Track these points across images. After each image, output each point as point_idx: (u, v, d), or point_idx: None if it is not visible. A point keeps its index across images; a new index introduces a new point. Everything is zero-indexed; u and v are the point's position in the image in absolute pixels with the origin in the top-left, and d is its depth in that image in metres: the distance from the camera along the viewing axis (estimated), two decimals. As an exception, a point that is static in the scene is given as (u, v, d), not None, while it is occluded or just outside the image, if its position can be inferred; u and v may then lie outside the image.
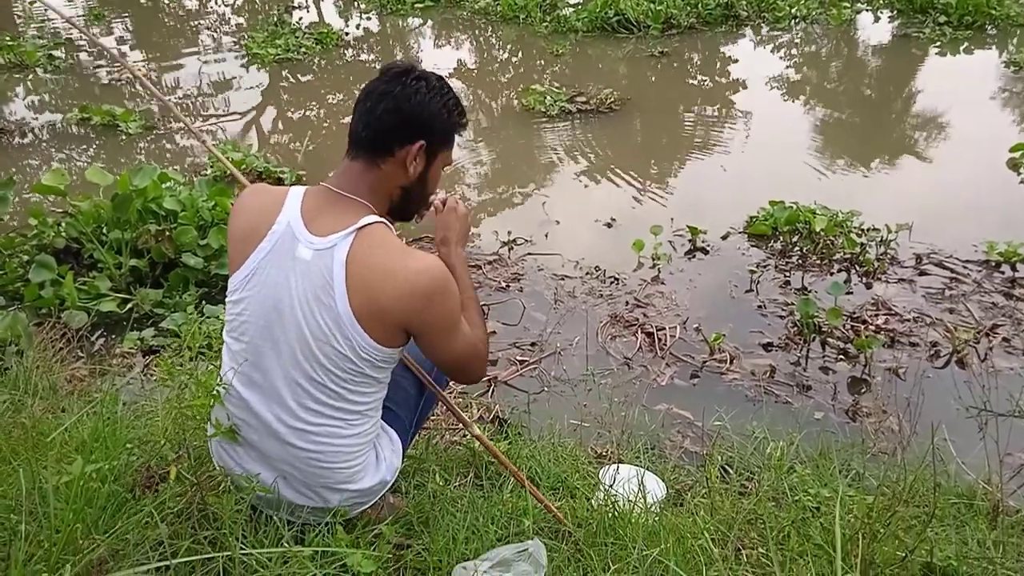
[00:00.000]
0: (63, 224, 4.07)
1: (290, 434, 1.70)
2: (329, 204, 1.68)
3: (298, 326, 1.65)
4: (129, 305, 3.69)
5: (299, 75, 8.12)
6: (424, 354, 1.82)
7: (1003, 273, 4.15)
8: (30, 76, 7.98)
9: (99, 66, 8.30)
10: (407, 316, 1.65)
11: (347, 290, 1.61)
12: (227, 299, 1.75)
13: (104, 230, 3.98)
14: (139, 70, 7.91)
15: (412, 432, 2.05)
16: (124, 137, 6.30)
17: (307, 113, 7.15)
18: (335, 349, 1.65)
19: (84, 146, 6.27)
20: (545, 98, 6.83)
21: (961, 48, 8.40)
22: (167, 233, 3.85)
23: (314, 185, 1.75)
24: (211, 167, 5.47)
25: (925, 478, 2.25)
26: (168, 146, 6.30)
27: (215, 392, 1.67)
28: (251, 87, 7.73)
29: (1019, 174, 5.33)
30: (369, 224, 1.64)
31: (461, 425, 2.25)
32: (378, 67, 1.82)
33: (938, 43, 8.51)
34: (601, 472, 2.37)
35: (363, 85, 1.73)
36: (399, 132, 1.68)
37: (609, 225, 4.82)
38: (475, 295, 1.94)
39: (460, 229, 1.98)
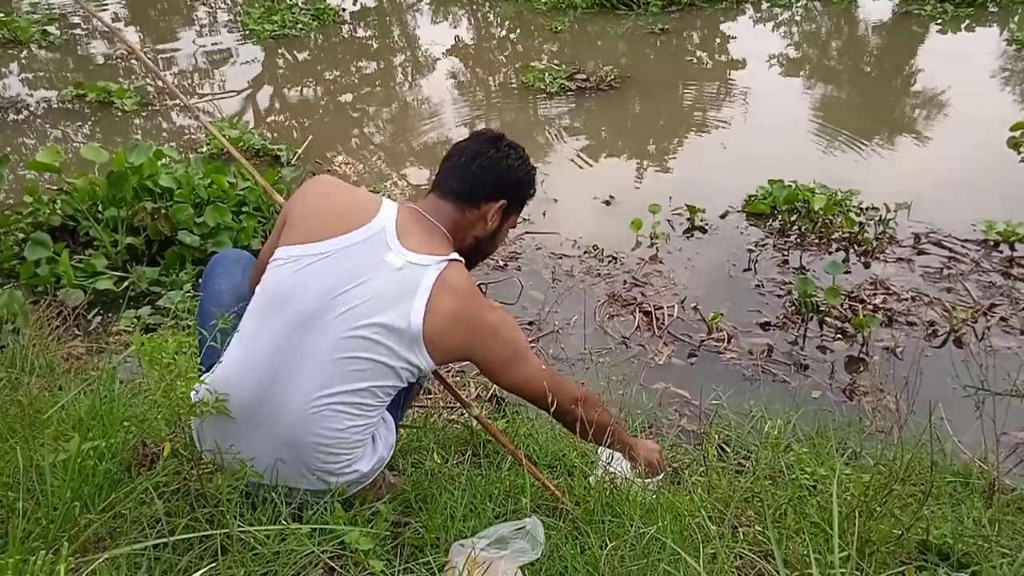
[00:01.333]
0: (58, 201, 4.04)
1: (302, 416, 1.69)
2: (420, 226, 1.81)
3: (361, 319, 1.68)
4: (125, 283, 3.68)
5: (296, 51, 8.05)
6: (492, 381, 1.99)
7: (1001, 252, 4.14)
8: (24, 52, 7.90)
9: (93, 45, 8.23)
10: (469, 348, 1.80)
11: (426, 308, 1.69)
12: (276, 264, 1.75)
13: (100, 208, 3.96)
14: (137, 45, 7.83)
15: (403, 406, 2.05)
16: (119, 114, 6.26)
17: (304, 91, 7.10)
18: (390, 350, 1.69)
19: (79, 123, 6.23)
20: (544, 75, 6.78)
21: (962, 26, 8.35)
22: (163, 211, 3.83)
23: (404, 204, 1.86)
24: (207, 144, 5.43)
25: (922, 457, 2.26)
26: (164, 123, 6.25)
27: (199, 378, 1.65)
28: (247, 63, 7.68)
29: (1019, 153, 5.31)
30: (457, 260, 1.80)
31: (460, 405, 2.25)
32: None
33: (939, 21, 8.46)
34: (599, 450, 2.37)
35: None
36: (488, 189, 1.88)
37: (607, 203, 4.80)
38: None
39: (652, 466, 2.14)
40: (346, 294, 1.69)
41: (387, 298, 1.69)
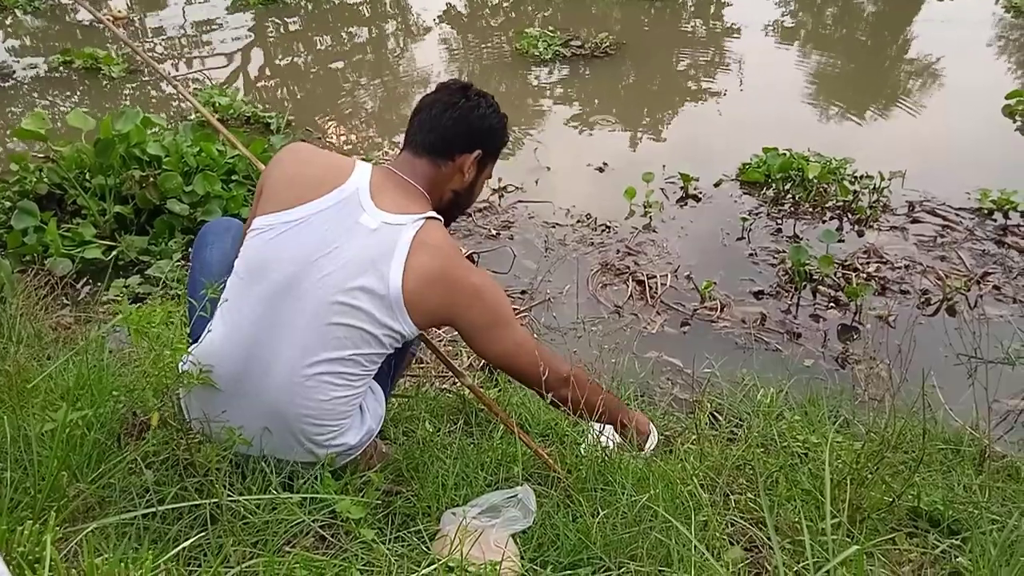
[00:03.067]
0: (45, 170, 3.99)
1: (285, 386, 1.68)
2: (395, 185, 1.77)
3: (338, 285, 1.65)
4: (114, 252, 3.64)
5: (286, 18, 7.94)
6: (476, 351, 1.92)
7: (995, 221, 4.14)
8: (8, 18, 7.77)
9: (79, 11, 8.09)
10: (450, 309, 1.75)
11: (404, 268, 1.66)
12: (253, 234, 1.73)
13: (87, 176, 3.90)
14: (108, 16, 7.70)
15: (393, 378, 2.03)
16: (107, 81, 6.17)
17: (295, 58, 7.01)
18: (371, 316, 1.66)
19: (66, 91, 6.14)
20: (538, 42, 6.70)
21: (959, -8, 8.27)
22: (151, 179, 3.78)
23: (378, 164, 1.82)
24: (196, 112, 5.37)
25: (913, 424, 2.26)
26: (152, 90, 6.17)
27: (183, 349, 1.63)
28: (236, 28, 7.57)
29: (1014, 121, 5.29)
30: (435, 218, 1.76)
31: (452, 374, 2.24)
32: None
33: (936, -13, 8.37)
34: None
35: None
36: (462, 140, 1.82)
37: (601, 170, 4.77)
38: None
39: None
40: (322, 260, 1.67)
41: (364, 261, 1.66)
